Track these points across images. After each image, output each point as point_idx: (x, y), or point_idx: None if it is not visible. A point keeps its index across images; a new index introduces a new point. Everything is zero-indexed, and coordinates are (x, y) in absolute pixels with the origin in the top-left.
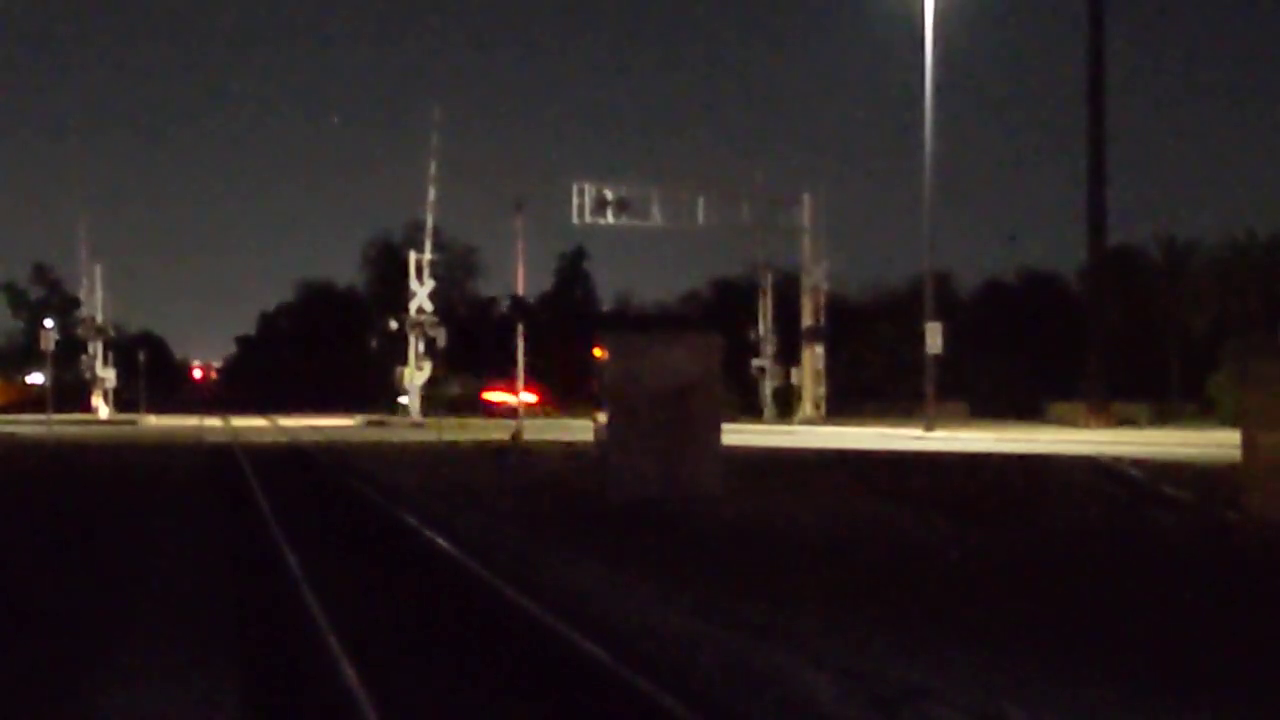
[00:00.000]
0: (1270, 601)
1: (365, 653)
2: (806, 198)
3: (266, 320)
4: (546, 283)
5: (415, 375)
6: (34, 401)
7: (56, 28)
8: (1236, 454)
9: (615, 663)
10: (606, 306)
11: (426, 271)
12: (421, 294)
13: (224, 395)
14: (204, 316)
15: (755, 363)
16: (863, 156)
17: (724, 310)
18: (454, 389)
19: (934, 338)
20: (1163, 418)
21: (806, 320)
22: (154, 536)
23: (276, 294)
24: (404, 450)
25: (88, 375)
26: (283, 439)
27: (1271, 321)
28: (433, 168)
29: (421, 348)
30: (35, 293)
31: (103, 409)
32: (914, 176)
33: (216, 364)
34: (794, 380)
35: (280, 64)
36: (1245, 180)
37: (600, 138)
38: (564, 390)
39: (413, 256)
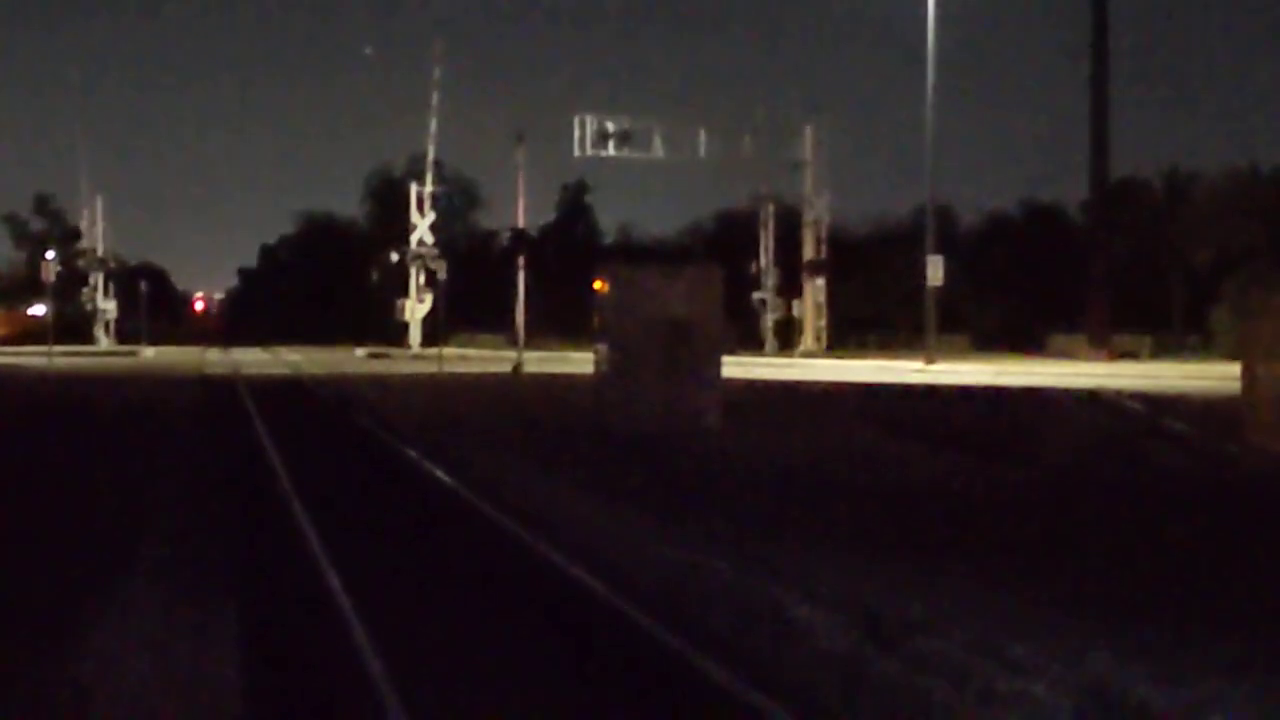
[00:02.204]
0: (1267, 531)
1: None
2: (808, 130)
3: (267, 252)
4: (548, 216)
5: (417, 307)
6: (36, 333)
7: None
8: (1237, 386)
9: (610, 593)
10: (608, 239)
11: (428, 204)
12: (423, 226)
13: (225, 327)
14: (205, 248)
15: (756, 295)
16: (865, 89)
17: (726, 243)
18: None
19: (935, 270)
20: (1164, 350)
21: (808, 253)
22: (150, 465)
23: (278, 226)
24: (403, 382)
25: (89, 307)
26: (284, 370)
27: (1274, 253)
28: (435, 100)
29: (422, 280)
30: (36, 224)
31: (103, 340)
32: (916, 109)
33: (218, 295)
34: (795, 313)
35: None
36: (1249, 112)
37: (602, 71)
38: None
39: (414, 189)
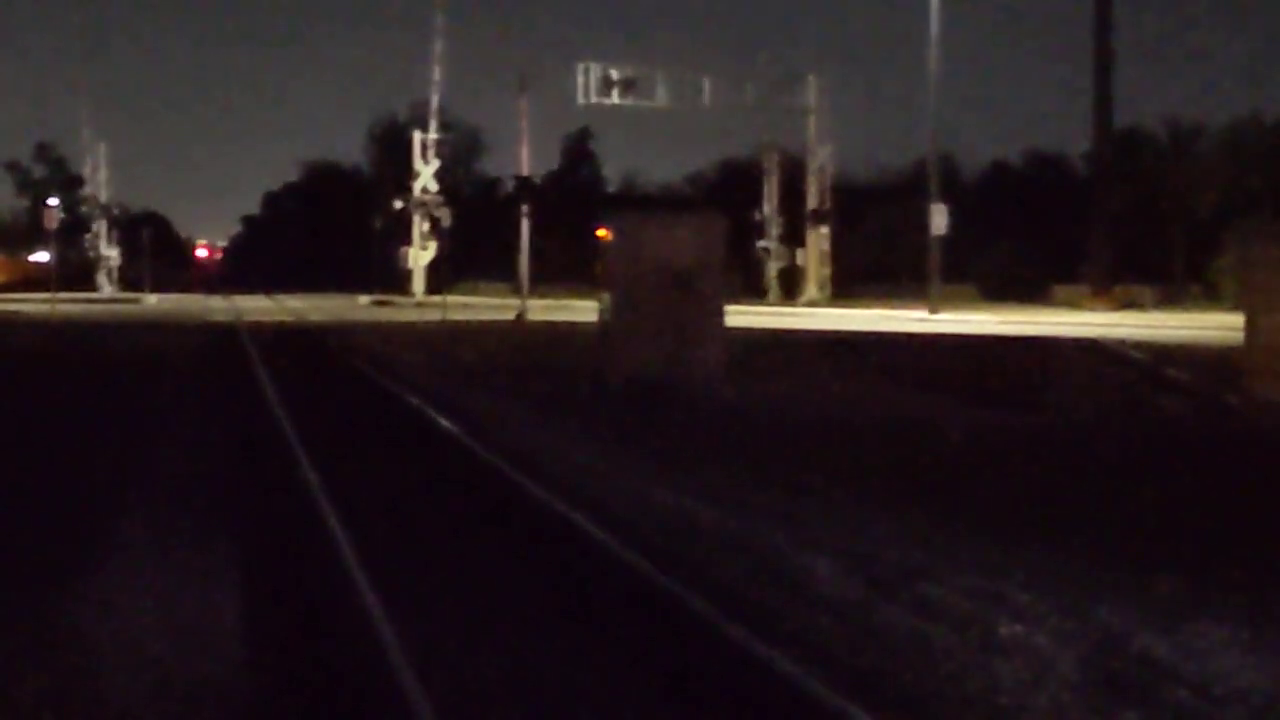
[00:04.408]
0: (1266, 480)
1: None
2: (812, 78)
3: (271, 200)
4: (552, 163)
5: (420, 255)
6: (38, 280)
7: None
8: (1239, 337)
9: (615, 542)
10: (612, 187)
11: (431, 151)
12: (426, 174)
13: (229, 274)
14: (209, 196)
15: (760, 244)
16: (868, 37)
17: (729, 191)
18: None
19: (938, 219)
20: (1167, 300)
21: (812, 202)
22: (152, 410)
23: (281, 174)
24: (407, 329)
25: (91, 254)
26: (287, 318)
27: (1277, 204)
28: (438, 47)
29: (426, 228)
30: (39, 171)
31: (106, 287)
32: (920, 57)
33: (221, 243)
34: (799, 262)
35: None
36: (1252, 62)
37: (606, 18)
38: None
39: (417, 136)
